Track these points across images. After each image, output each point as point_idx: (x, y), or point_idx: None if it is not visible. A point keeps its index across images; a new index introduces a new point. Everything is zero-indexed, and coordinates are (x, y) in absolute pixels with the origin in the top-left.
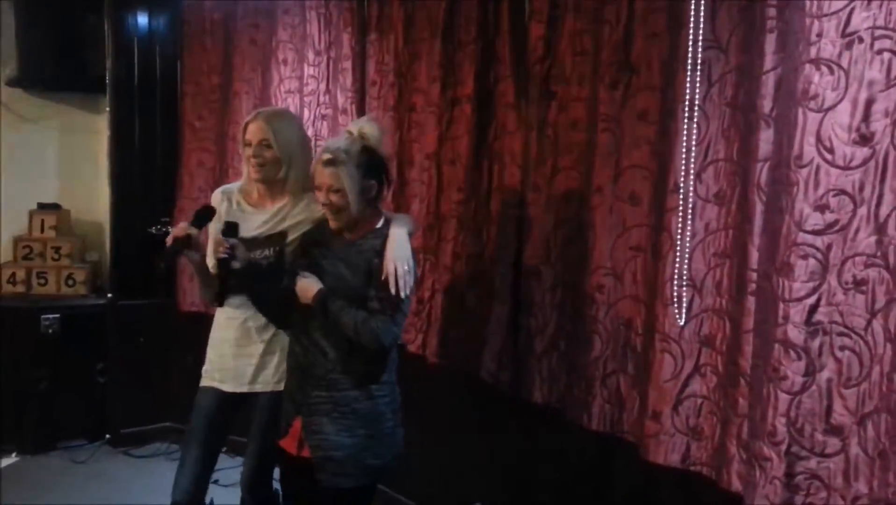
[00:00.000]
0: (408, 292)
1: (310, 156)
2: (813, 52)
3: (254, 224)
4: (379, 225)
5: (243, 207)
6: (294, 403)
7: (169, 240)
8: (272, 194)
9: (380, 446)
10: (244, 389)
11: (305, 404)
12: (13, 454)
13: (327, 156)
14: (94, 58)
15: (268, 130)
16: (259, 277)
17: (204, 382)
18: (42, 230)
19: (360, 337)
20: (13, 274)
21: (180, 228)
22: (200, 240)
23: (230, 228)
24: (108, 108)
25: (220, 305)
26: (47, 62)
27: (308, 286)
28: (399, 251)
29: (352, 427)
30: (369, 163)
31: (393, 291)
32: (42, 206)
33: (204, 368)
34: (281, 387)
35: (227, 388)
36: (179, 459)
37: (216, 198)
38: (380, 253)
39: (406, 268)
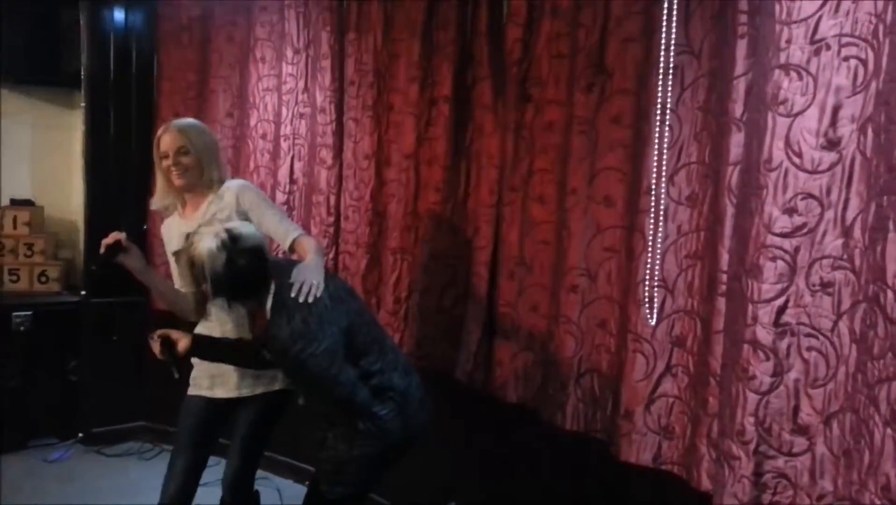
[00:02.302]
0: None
1: (220, 152)
2: (782, 57)
3: (192, 226)
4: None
5: (178, 220)
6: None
7: (102, 248)
8: (197, 197)
9: (392, 452)
10: (234, 394)
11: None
12: None
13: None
14: (69, 53)
15: (183, 138)
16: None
17: (192, 391)
18: (15, 227)
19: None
20: None
21: (111, 236)
22: (133, 245)
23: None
24: (83, 104)
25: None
26: (21, 56)
27: None
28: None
29: (362, 444)
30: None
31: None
32: (15, 203)
33: (192, 375)
34: (272, 388)
35: (219, 394)
36: (168, 463)
37: (167, 222)
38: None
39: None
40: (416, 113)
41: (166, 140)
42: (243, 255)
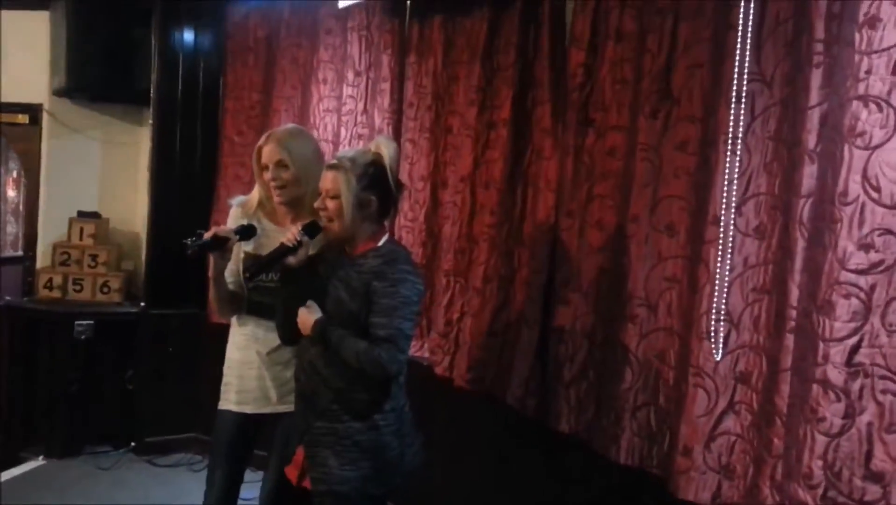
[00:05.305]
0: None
1: (321, 164)
2: (861, 88)
3: (277, 243)
4: (380, 243)
5: (265, 225)
6: (298, 432)
7: (209, 234)
8: (294, 213)
9: (384, 475)
10: (268, 409)
11: (308, 433)
12: (40, 457)
13: (332, 161)
14: (139, 71)
15: (282, 151)
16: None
17: (223, 406)
18: (80, 238)
19: (363, 367)
20: (50, 279)
21: (225, 230)
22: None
23: (313, 228)
24: (150, 121)
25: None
26: (94, 73)
27: (306, 317)
28: None
29: (356, 460)
30: (373, 177)
31: None
32: (82, 214)
33: (222, 389)
34: None
35: (249, 409)
36: (206, 478)
37: (235, 213)
38: (379, 275)
39: None
40: (474, 135)
41: (266, 152)
42: None
